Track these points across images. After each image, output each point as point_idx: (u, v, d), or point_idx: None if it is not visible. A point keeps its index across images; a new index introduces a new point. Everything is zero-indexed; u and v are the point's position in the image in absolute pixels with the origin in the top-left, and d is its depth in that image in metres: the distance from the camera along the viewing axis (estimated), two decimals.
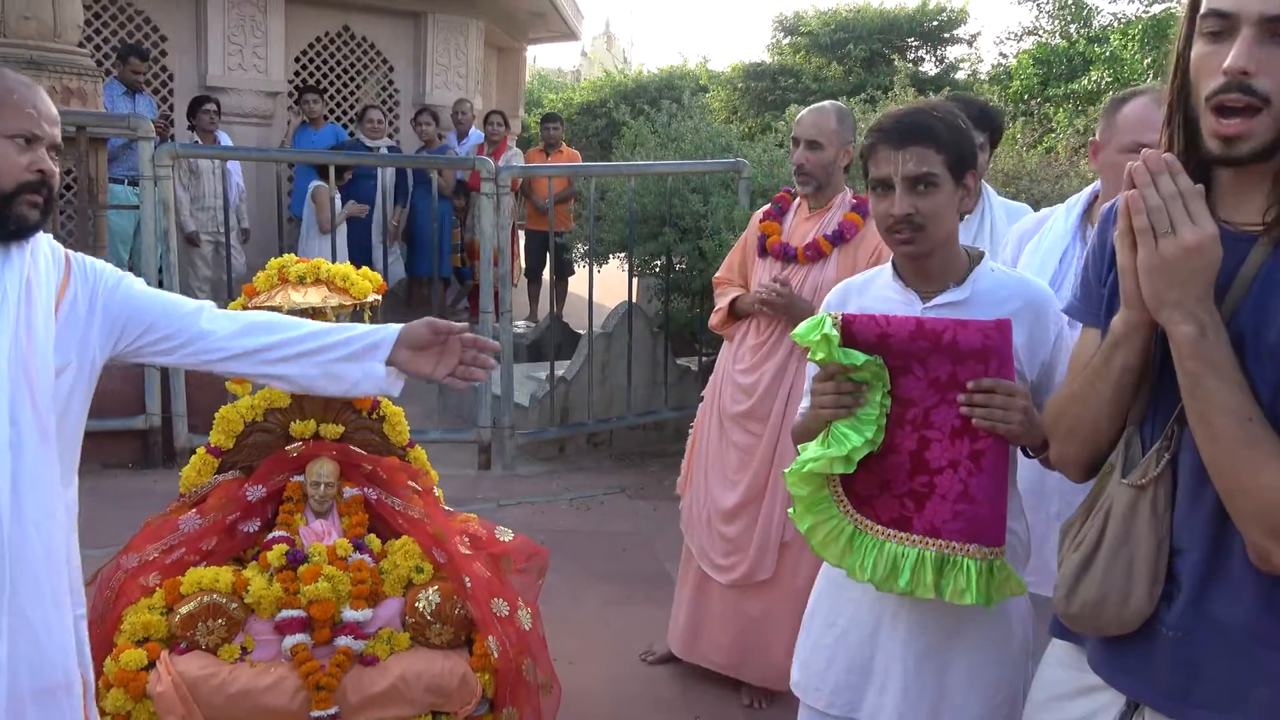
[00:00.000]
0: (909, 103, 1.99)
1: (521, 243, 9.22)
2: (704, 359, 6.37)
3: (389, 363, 1.95)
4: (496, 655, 2.54)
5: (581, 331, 6.51)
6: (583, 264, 7.45)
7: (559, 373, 6.00)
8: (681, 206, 6.08)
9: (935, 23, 13.60)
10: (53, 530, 1.67)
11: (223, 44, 8.47)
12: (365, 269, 2.95)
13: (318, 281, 2.87)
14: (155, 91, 8.23)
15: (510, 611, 2.60)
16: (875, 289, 2.03)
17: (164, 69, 8.45)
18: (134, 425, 5.34)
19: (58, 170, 1.73)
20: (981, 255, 1.98)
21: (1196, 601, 1.38)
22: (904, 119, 1.89)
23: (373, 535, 2.77)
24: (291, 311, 2.60)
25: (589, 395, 5.99)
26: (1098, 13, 11.21)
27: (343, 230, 7.38)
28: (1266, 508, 1.27)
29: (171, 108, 8.41)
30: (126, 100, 7.01)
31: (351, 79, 9.52)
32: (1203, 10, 1.34)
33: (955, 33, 13.76)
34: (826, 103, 3.40)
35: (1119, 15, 11.41)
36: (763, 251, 3.39)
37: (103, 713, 2.31)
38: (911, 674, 1.92)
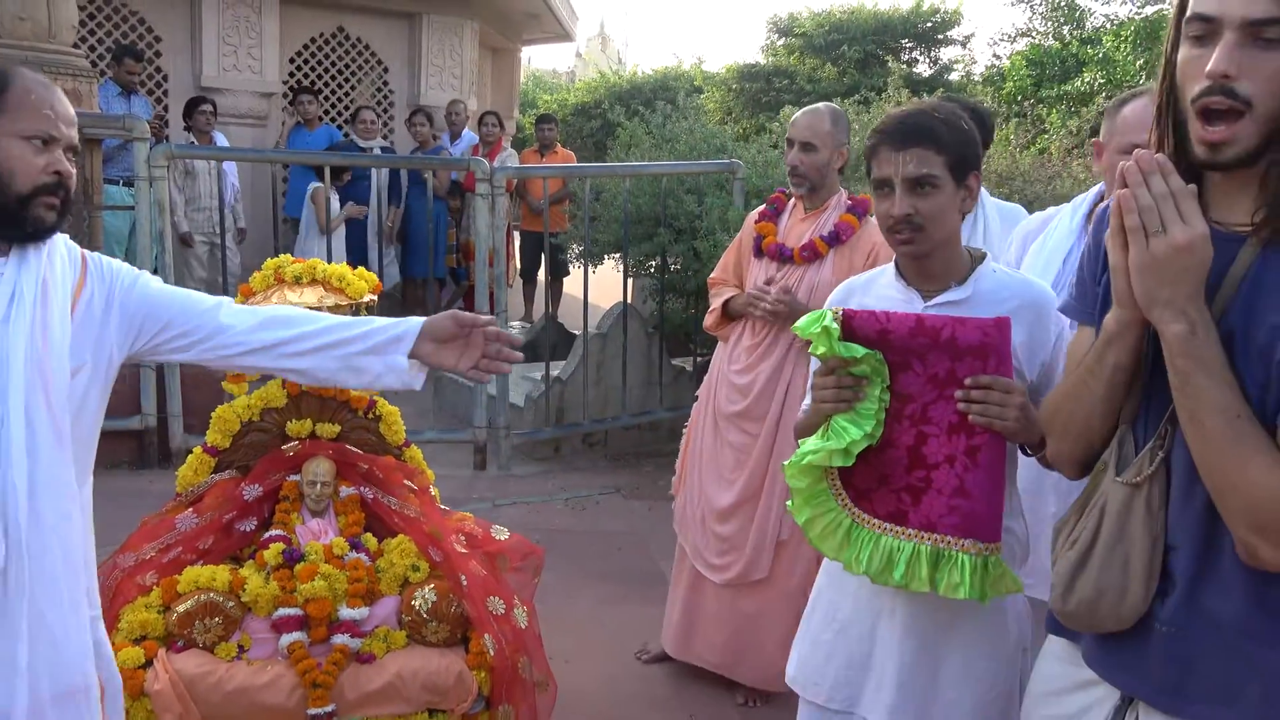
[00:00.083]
0: (913, 104, 2.00)
1: (516, 244, 9.23)
2: (699, 359, 6.39)
3: (411, 355, 1.92)
4: (492, 653, 2.55)
5: (576, 332, 6.52)
6: (577, 265, 7.47)
7: (554, 373, 6.01)
8: (676, 207, 6.10)
9: (929, 24, 13.62)
10: (69, 532, 1.66)
11: (217, 45, 8.47)
12: (361, 269, 2.96)
13: (314, 282, 2.88)
14: (150, 92, 8.23)
15: (506, 610, 2.61)
16: (878, 288, 2.06)
17: (158, 69, 8.44)
18: (130, 426, 5.34)
19: (74, 171, 1.72)
20: (984, 256, 2.00)
21: (1189, 598, 1.40)
22: (905, 120, 1.91)
23: (369, 534, 2.79)
24: None
25: (584, 395, 6.00)
26: (1090, 14, 11.25)
27: (341, 231, 7.38)
28: (1252, 504, 1.29)
29: (166, 108, 8.40)
30: (121, 101, 7.01)
31: (346, 80, 9.52)
32: (1187, 14, 1.36)
33: (949, 34, 13.79)
34: (820, 104, 3.41)
35: (1112, 17, 11.46)
36: (758, 252, 3.40)
37: None
38: (906, 668, 1.94)
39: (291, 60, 9.14)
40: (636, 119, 8.34)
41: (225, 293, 5.72)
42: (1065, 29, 11.41)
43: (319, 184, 7.22)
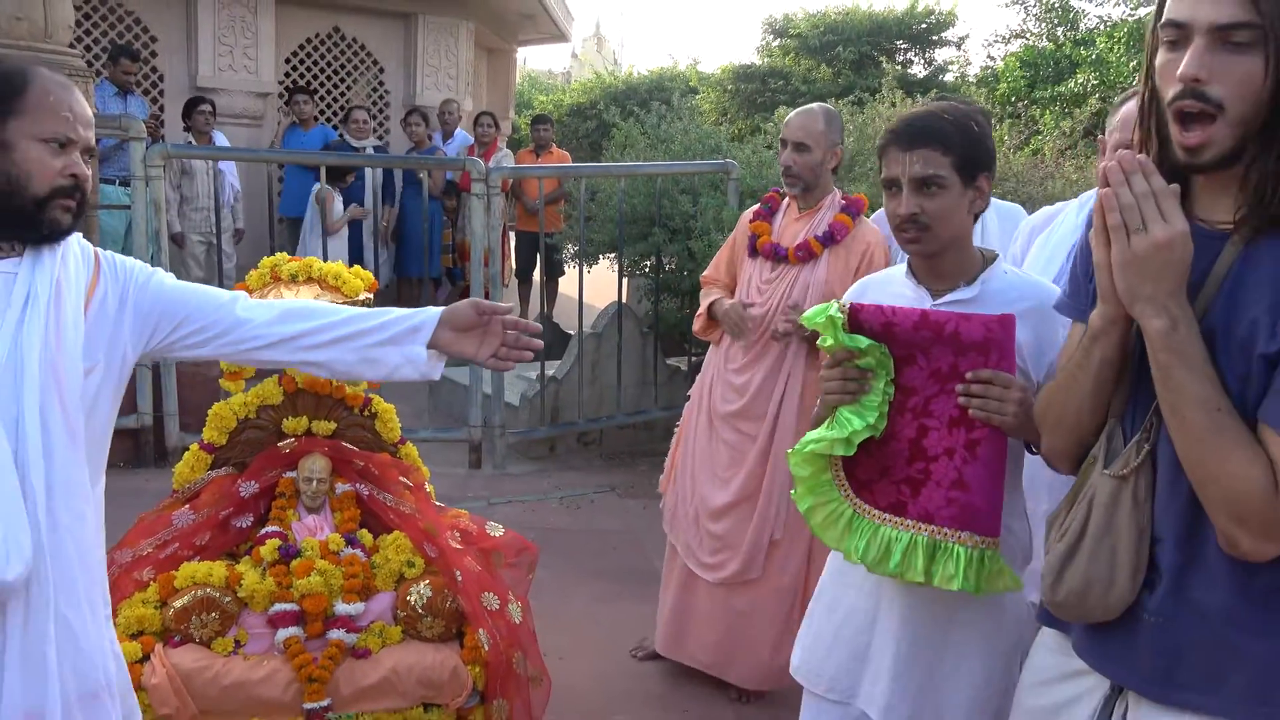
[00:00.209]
0: (924, 106, 2.04)
1: (512, 244, 9.25)
2: (693, 359, 6.41)
3: (430, 345, 1.91)
4: (487, 648, 2.57)
5: (572, 332, 6.54)
6: (573, 264, 7.48)
7: (549, 372, 6.03)
8: (671, 207, 6.12)
9: (924, 25, 13.68)
10: (84, 532, 1.66)
11: (213, 45, 8.48)
12: (357, 267, 2.98)
13: (310, 280, 2.89)
14: (145, 92, 8.24)
15: (501, 605, 2.63)
16: (891, 286, 2.09)
17: (154, 69, 8.45)
18: (126, 424, 5.34)
19: (90, 174, 1.70)
20: (995, 256, 2.03)
21: (1176, 588, 1.42)
22: (914, 121, 1.95)
23: (364, 530, 2.80)
24: None
25: (579, 395, 6.02)
26: (1084, 16, 11.30)
27: (343, 232, 7.40)
28: (1233, 495, 1.32)
29: (162, 108, 8.41)
30: (118, 101, 7.02)
31: (342, 80, 9.53)
32: (1162, 20, 1.39)
33: (943, 35, 13.84)
34: (814, 105, 3.43)
35: (1105, 18, 11.51)
36: (753, 251, 3.41)
37: None
38: (902, 662, 1.97)
39: (287, 60, 9.15)
40: (632, 119, 8.37)
41: None
42: (1059, 30, 11.46)
43: (325, 185, 7.24)
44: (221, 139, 7.74)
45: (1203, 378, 1.34)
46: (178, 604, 2.53)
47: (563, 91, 20.00)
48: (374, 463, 2.86)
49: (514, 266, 9.30)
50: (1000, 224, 3.29)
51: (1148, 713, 1.47)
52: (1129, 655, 1.48)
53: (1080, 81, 9.42)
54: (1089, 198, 2.72)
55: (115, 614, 2.51)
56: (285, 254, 2.99)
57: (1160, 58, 1.40)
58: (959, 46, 13.95)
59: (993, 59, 12.69)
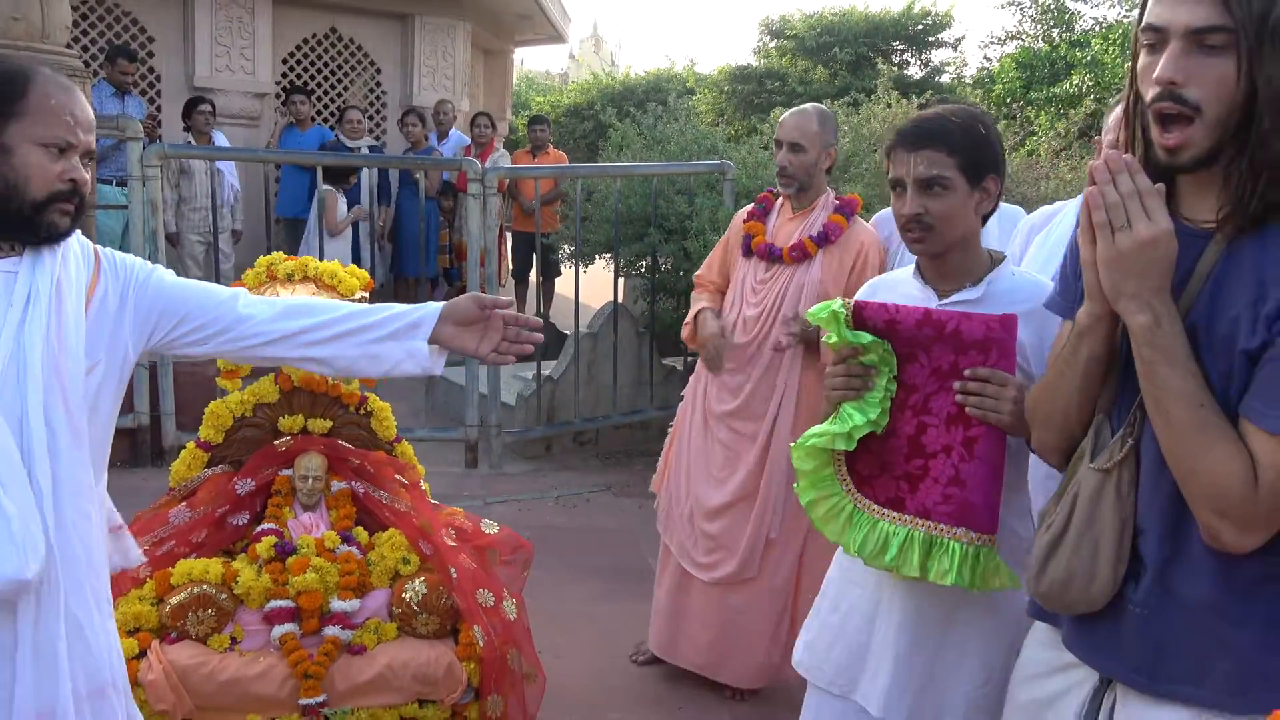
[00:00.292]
0: (934, 109, 2.07)
1: (509, 244, 9.26)
2: (689, 359, 6.42)
3: (431, 340, 1.91)
4: (482, 644, 2.59)
5: (568, 332, 6.56)
6: (569, 265, 7.50)
7: (545, 372, 6.05)
8: (667, 207, 6.13)
9: (920, 26, 13.70)
10: (89, 530, 1.66)
11: (210, 45, 8.49)
12: (352, 266, 2.99)
13: (305, 279, 2.91)
14: (143, 93, 8.24)
15: (495, 602, 2.65)
16: (901, 287, 2.12)
17: (151, 70, 8.46)
18: (123, 424, 5.35)
19: (90, 176, 1.69)
20: (1004, 258, 2.06)
21: (1160, 580, 1.45)
22: (920, 123, 1.98)
23: (360, 528, 2.82)
24: None
25: (575, 394, 6.04)
26: (1079, 17, 11.33)
27: (346, 233, 7.42)
28: (1214, 488, 1.34)
29: (159, 109, 8.42)
30: (115, 101, 7.03)
31: (339, 80, 9.55)
32: (1141, 24, 1.42)
33: (940, 36, 13.87)
34: (808, 105, 3.44)
35: (1100, 20, 11.54)
36: (747, 251, 3.41)
37: None
38: (902, 659, 1.99)
39: (284, 61, 9.16)
40: (628, 120, 8.38)
41: None
42: (1055, 32, 11.49)
43: (328, 186, 7.28)
44: (221, 139, 7.75)
45: (1186, 373, 1.36)
46: (174, 601, 2.54)
47: (560, 92, 20.01)
48: (369, 461, 2.88)
49: (510, 267, 9.31)
50: (1000, 225, 3.30)
51: (1135, 704, 1.49)
52: (1116, 647, 1.50)
53: (1075, 83, 9.44)
54: None
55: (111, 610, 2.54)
56: (281, 253, 3.01)
57: (1141, 61, 1.43)
58: (955, 48, 14.03)
59: (989, 60, 12.74)
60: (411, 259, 8.09)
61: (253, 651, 2.55)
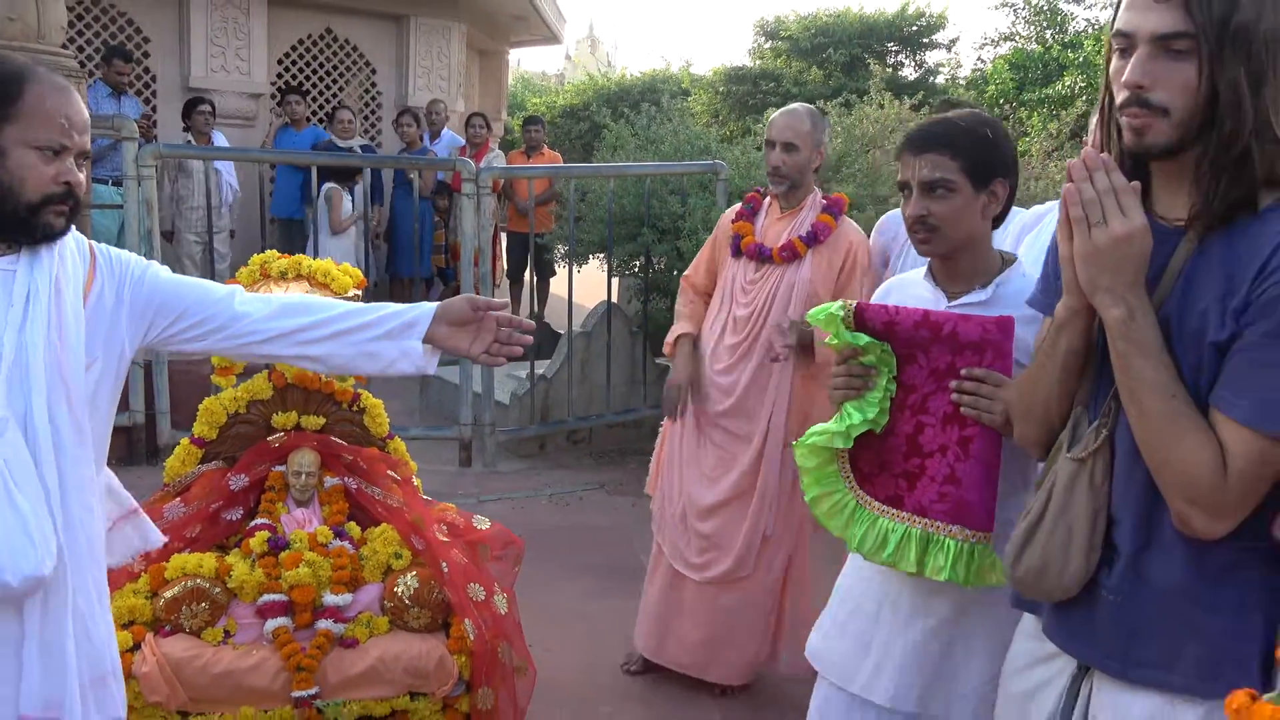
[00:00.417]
0: (942, 113, 2.12)
1: (503, 244, 9.29)
2: None
3: (425, 340, 1.93)
4: (473, 638, 2.61)
5: (562, 331, 6.59)
6: (563, 265, 7.53)
7: (539, 371, 6.07)
8: (660, 207, 6.16)
9: (914, 28, 13.75)
10: (92, 525, 1.69)
11: (205, 46, 8.51)
12: (345, 264, 3.02)
13: (299, 277, 2.94)
14: (138, 93, 8.26)
15: (486, 596, 2.68)
16: (913, 288, 2.16)
17: (146, 70, 8.48)
18: (118, 422, 5.32)
19: (84, 177, 1.70)
20: (1015, 259, 2.09)
21: (1134, 567, 1.49)
22: (927, 128, 2.03)
23: (353, 523, 2.85)
24: None
25: (569, 393, 6.06)
26: (1072, 19, 11.38)
27: (350, 232, 7.46)
28: (1185, 476, 1.38)
29: (154, 109, 8.44)
30: (112, 102, 7.06)
31: (334, 81, 9.57)
32: (1113, 30, 1.47)
33: (934, 38, 13.92)
34: (798, 105, 3.44)
35: (1093, 21, 11.59)
36: (736, 252, 3.41)
37: None
38: (910, 652, 2.04)
39: (280, 61, 9.18)
40: (622, 121, 8.41)
41: None
42: (1048, 33, 11.54)
43: (333, 185, 7.31)
44: (221, 139, 7.78)
45: (1158, 365, 1.41)
46: (168, 594, 2.57)
47: (555, 93, 20.04)
48: (362, 457, 2.91)
49: (505, 267, 9.34)
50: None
51: (1110, 690, 1.53)
52: (1091, 633, 1.55)
53: (1067, 84, 9.48)
54: None
55: None
56: (275, 251, 3.04)
57: (1113, 65, 1.48)
58: (949, 49, 14.04)
59: (983, 62, 12.79)
60: (406, 259, 8.11)
61: (246, 645, 2.58)
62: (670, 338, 3.57)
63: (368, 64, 9.64)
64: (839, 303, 1.98)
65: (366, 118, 9.70)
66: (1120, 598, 1.50)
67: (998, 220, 2.08)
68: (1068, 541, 1.53)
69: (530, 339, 2.02)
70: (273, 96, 8.95)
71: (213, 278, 6.15)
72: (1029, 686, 1.68)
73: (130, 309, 1.77)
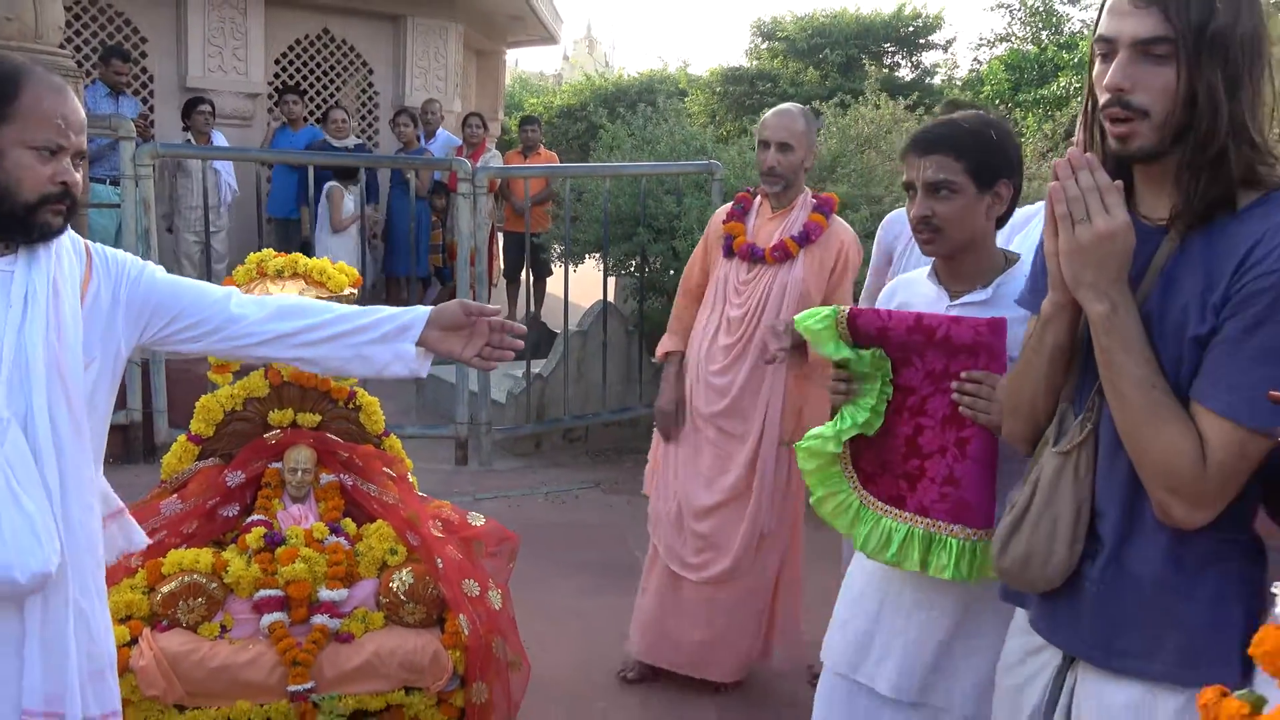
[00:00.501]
0: (948, 115, 2.15)
1: (500, 244, 9.31)
2: None
3: (418, 343, 1.95)
4: (467, 633, 2.64)
5: (558, 330, 6.61)
6: (559, 264, 7.55)
7: (535, 370, 6.09)
8: (655, 207, 6.19)
9: (911, 29, 13.79)
10: (90, 522, 1.72)
11: (203, 46, 8.52)
12: (341, 263, 3.04)
13: (295, 275, 2.96)
14: (135, 93, 8.27)
15: (481, 592, 2.70)
16: (918, 287, 2.20)
17: (144, 70, 8.49)
18: (115, 421, 5.32)
19: (80, 177, 1.70)
20: (1018, 259, 2.12)
21: (1116, 558, 1.53)
22: (931, 129, 2.07)
23: (348, 519, 2.87)
24: None
25: (565, 392, 6.09)
26: (1067, 20, 11.42)
27: (351, 230, 7.48)
28: (1166, 467, 1.42)
29: (151, 109, 8.46)
30: (110, 101, 7.08)
31: (331, 81, 9.59)
32: (1095, 35, 1.52)
33: (931, 39, 13.96)
34: (790, 105, 3.44)
35: (1088, 23, 11.61)
36: (729, 252, 3.40)
37: None
38: (912, 644, 2.08)
39: (277, 61, 9.20)
40: (619, 121, 8.44)
41: None
42: (1044, 34, 11.57)
43: (335, 183, 7.32)
44: (220, 139, 7.79)
45: (1140, 359, 1.45)
46: (165, 589, 2.59)
47: (553, 93, 20.06)
48: (358, 454, 2.93)
49: (502, 266, 9.36)
50: None
51: (1093, 680, 1.57)
52: (1075, 624, 1.58)
53: (1062, 85, 9.51)
54: None
55: None
56: (271, 249, 3.06)
57: (1095, 69, 1.52)
58: (946, 50, 14.13)
59: (979, 62, 12.82)
60: (403, 258, 8.13)
61: (242, 639, 2.60)
62: (660, 350, 3.60)
63: (365, 64, 9.66)
64: (830, 309, 2.01)
65: (363, 118, 9.72)
66: (1103, 588, 1.54)
67: (1001, 220, 2.11)
68: (1052, 533, 1.57)
69: (521, 344, 2.05)
70: (270, 96, 8.97)
71: (210, 277, 6.20)
72: (1020, 681, 1.72)
73: (126, 309, 1.79)
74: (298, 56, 9.34)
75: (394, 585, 2.70)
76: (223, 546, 2.80)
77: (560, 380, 6.09)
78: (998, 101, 10.31)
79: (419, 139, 8.52)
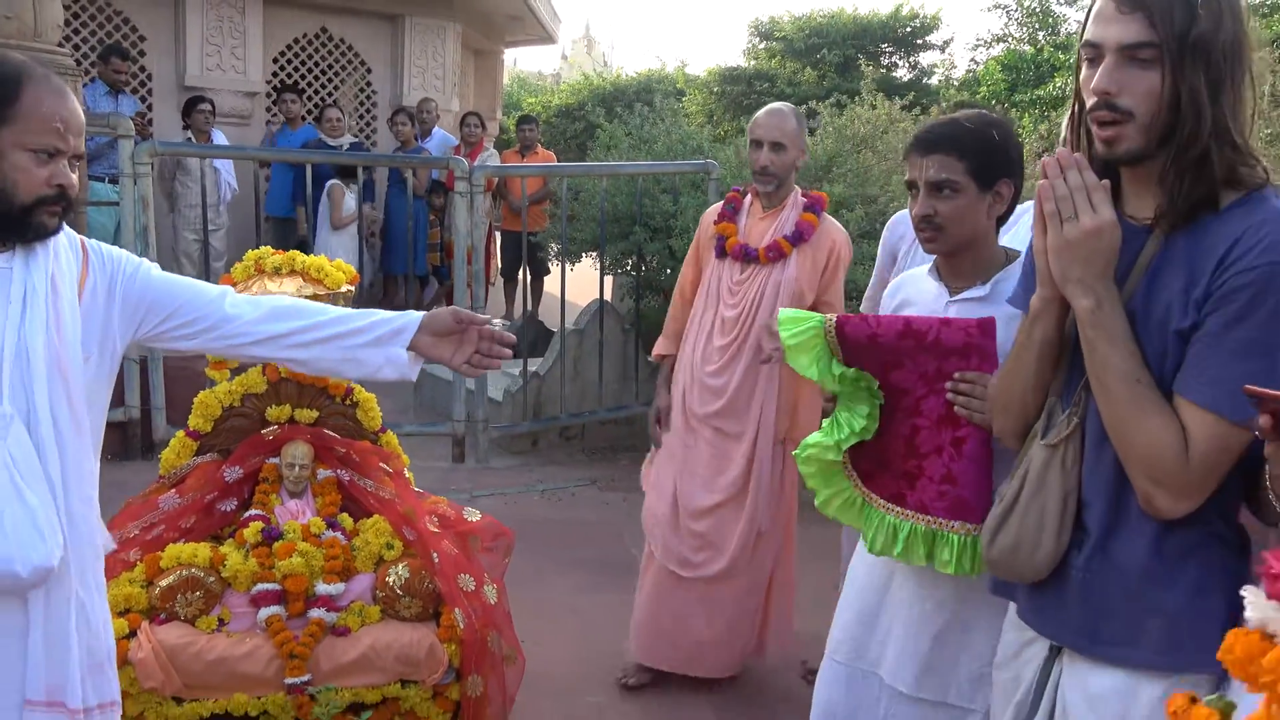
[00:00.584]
0: (950, 114, 2.17)
1: (498, 243, 9.33)
2: None
3: (409, 347, 1.98)
4: (463, 627, 2.66)
5: (555, 329, 6.63)
6: (556, 263, 7.57)
7: (532, 368, 6.12)
8: (652, 206, 6.21)
9: (908, 29, 13.80)
10: (90, 516, 1.74)
11: (201, 44, 8.54)
12: (339, 261, 3.06)
13: (293, 273, 2.98)
14: (134, 91, 8.29)
15: (476, 586, 2.73)
16: (920, 282, 2.23)
17: (143, 69, 8.51)
18: (113, 418, 5.39)
19: (77, 178, 1.71)
20: (1018, 255, 2.14)
21: (1101, 548, 1.57)
22: (934, 129, 2.10)
23: (345, 514, 2.89)
24: None
25: (561, 390, 6.11)
26: (1064, 20, 11.43)
27: (352, 228, 7.50)
28: (1150, 458, 1.46)
29: (150, 107, 8.47)
30: (109, 100, 7.09)
31: (329, 80, 9.61)
32: (1082, 40, 1.55)
33: (928, 39, 13.98)
34: (781, 105, 3.44)
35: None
36: (721, 253, 3.40)
37: None
38: (909, 633, 2.11)
39: (275, 60, 9.21)
40: (616, 120, 8.45)
41: None
42: (1040, 34, 11.59)
43: (335, 181, 7.33)
44: (220, 138, 7.81)
45: (1125, 353, 1.49)
46: (163, 583, 2.62)
47: (551, 93, 20.07)
48: (355, 450, 2.95)
49: (500, 265, 9.38)
50: None
51: (1078, 668, 1.61)
52: (1061, 613, 1.62)
53: (1059, 85, 9.51)
54: None
55: None
56: (269, 247, 3.08)
57: (1083, 72, 1.56)
58: (943, 50, 14.14)
59: (976, 63, 12.80)
60: (400, 257, 8.15)
61: (240, 632, 2.63)
62: (655, 352, 3.65)
63: (363, 63, 9.68)
64: (817, 318, 2.04)
65: (361, 117, 9.74)
66: (1088, 577, 1.58)
67: (1002, 219, 2.14)
68: (1040, 523, 1.61)
69: (510, 353, 2.07)
70: (268, 95, 8.99)
71: (208, 275, 6.22)
72: (1011, 675, 1.76)
73: (122, 305, 1.81)
74: (296, 55, 9.36)
75: (390, 579, 2.72)
76: (221, 541, 2.82)
77: (557, 378, 6.11)
78: (994, 102, 10.32)
79: (416, 138, 8.53)
